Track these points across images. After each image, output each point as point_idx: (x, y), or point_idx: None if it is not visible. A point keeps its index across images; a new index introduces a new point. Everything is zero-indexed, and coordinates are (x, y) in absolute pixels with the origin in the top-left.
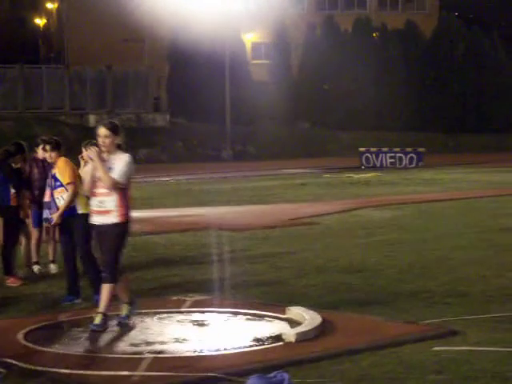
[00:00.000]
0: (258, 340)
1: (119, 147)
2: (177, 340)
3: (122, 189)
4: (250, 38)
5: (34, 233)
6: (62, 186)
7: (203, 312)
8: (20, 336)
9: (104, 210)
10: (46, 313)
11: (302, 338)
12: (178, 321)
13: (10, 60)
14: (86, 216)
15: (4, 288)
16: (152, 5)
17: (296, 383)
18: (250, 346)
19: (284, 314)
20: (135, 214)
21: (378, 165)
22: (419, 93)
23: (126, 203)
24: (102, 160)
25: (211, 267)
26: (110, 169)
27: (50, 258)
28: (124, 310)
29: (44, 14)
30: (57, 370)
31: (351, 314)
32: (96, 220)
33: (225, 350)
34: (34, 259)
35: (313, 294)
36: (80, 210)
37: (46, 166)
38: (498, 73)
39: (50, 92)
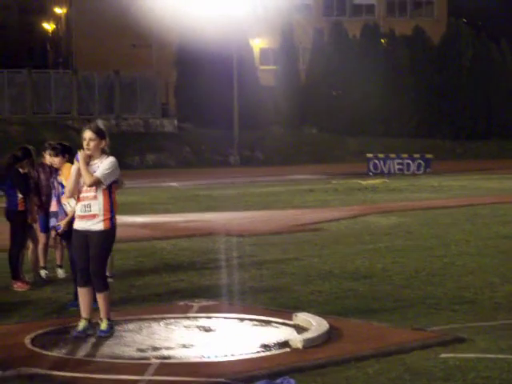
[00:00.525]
0: (264, 346)
1: (104, 152)
2: (183, 345)
3: (107, 193)
4: (257, 44)
5: (42, 238)
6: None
7: (210, 317)
8: (27, 341)
9: (89, 214)
10: (53, 317)
11: (309, 345)
12: (185, 326)
13: (18, 65)
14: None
15: (11, 292)
16: (160, 10)
17: None
18: (257, 352)
19: (291, 320)
20: (142, 219)
21: (386, 171)
22: (427, 99)
23: (112, 208)
24: (87, 163)
25: (218, 273)
26: (94, 172)
27: (58, 262)
28: (81, 324)
29: (52, 19)
30: (63, 374)
31: (358, 320)
32: (80, 225)
33: (231, 355)
34: (42, 264)
35: (319, 300)
36: None
37: (52, 172)
38: (505, 80)
39: (58, 97)
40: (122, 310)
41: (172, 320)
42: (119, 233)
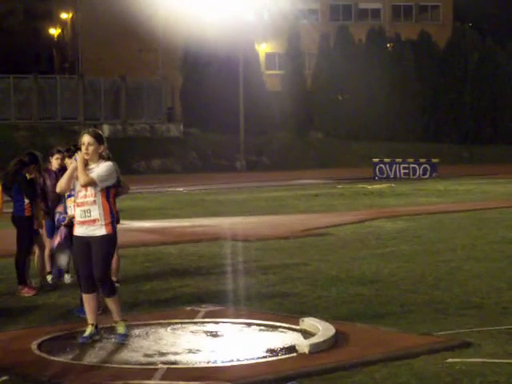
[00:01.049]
0: (271, 351)
1: (102, 157)
2: (190, 350)
3: (106, 197)
4: (263, 49)
5: (48, 243)
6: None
7: (217, 322)
8: (34, 346)
9: (90, 219)
10: (60, 323)
11: (316, 350)
12: (192, 331)
13: (24, 70)
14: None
15: (18, 298)
16: (166, 16)
17: None
18: (264, 357)
19: (297, 325)
20: (149, 224)
21: (392, 175)
22: (433, 103)
23: (112, 212)
24: (85, 164)
25: (225, 278)
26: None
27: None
28: (88, 329)
29: (58, 24)
30: (70, 380)
31: (364, 325)
32: (81, 231)
33: (238, 360)
34: (48, 269)
35: (326, 305)
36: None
37: (58, 177)
38: (511, 84)
39: (64, 102)
40: (128, 315)
41: (179, 325)
42: (126, 238)
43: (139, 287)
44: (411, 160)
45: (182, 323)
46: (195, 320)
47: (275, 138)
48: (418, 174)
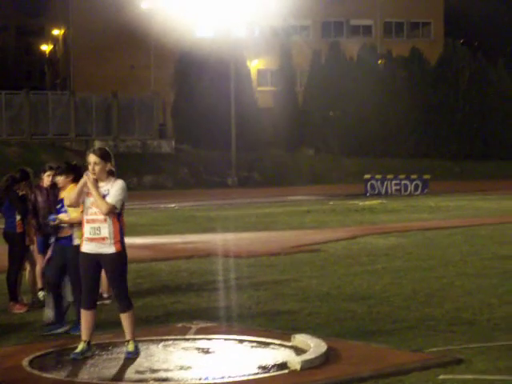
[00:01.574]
0: (263, 367)
1: (111, 173)
2: (182, 367)
3: (116, 215)
4: (255, 65)
5: (39, 259)
6: (66, 212)
7: (208, 339)
8: (25, 363)
9: (99, 237)
10: (51, 339)
11: (307, 366)
12: (183, 348)
13: (16, 86)
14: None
15: (9, 314)
16: (158, 32)
17: None
18: (255, 374)
19: (289, 341)
20: (140, 240)
21: (383, 192)
22: (424, 120)
23: (121, 230)
24: (97, 187)
25: (216, 294)
26: (103, 196)
27: None
28: (80, 346)
29: (50, 40)
30: None
31: (356, 341)
32: (90, 248)
33: (230, 377)
34: (39, 286)
35: (318, 322)
36: (76, 242)
37: (49, 194)
38: (503, 100)
39: (56, 118)
40: (119, 331)
41: (170, 342)
42: None
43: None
44: (403, 176)
45: (173, 340)
46: (187, 337)
47: (267, 154)
48: (409, 190)
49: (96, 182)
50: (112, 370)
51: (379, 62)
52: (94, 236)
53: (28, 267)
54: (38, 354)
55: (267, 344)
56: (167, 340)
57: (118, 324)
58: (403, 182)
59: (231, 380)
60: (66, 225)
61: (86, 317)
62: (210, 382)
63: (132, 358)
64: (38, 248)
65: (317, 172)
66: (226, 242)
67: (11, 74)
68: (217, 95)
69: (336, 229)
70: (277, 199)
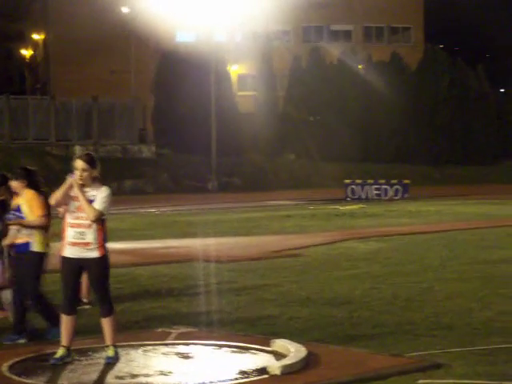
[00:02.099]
0: (243, 373)
1: (97, 179)
2: (162, 372)
3: (101, 220)
4: (235, 70)
5: None
6: (24, 218)
7: (188, 344)
8: (4, 368)
9: (83, 242)
10: (31, 344)
11: (287, 371)
12: (163, 353)
13: None
14: (40, 254)
15: None
16: (139, 37)
17: None
18: (235, 379)
19: (269, 346)
20: (120, 245)
21: (364, 196)
22: (404, 125)
23: (104, 235)
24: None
25: (196, 299)
26: (90, 201)
27: None
28: (60, 351)
29: (30, 45)
30: None
31: (336, 346)
32: (72, 253)
33: (210, 382)
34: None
35: (298, 327)
36: (34, 248)
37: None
38: (482, 105)
39: (36, 123)
40: (99, 336)
41: (150, 347)
42: None
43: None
44: (383, 181)
45: (153, 345)
46: (166, 342)
47: (247, 159)
48: (389, 195)
49: (82, 187)
50: (92, 376)
51: (359, 66)
52: (78, 240)
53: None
54: (17, 359)
55: (247, 349)
56: (147, 345)
57: (98, 329)
58: (383, 186)
59: None
60: (24, 231)
61: (66, 322)
62: None
63: (112, 363)
64: None
65: (297, 177)
66: (206, 246)
67: None
68: (197, 100)
69: (316, 233)
70: (257, 204)
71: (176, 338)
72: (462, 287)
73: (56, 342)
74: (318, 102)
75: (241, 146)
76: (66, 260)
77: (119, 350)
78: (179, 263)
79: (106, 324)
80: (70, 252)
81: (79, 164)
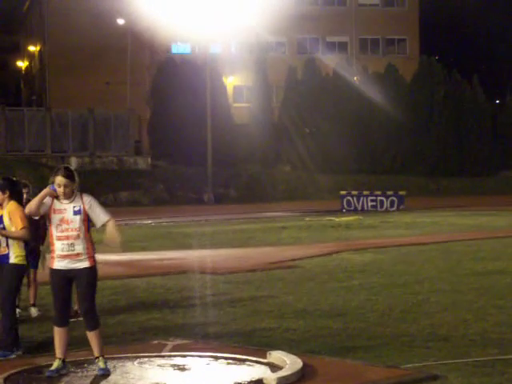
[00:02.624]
0: None
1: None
2: None
3: (88, 231)
4: (231, 82)
5: None
6: (3, 229)
7: (184, 356)
8: (0, 380)
9: (73, 253)
10: (27, 357)
11: (283, 383)
12: (159, 365)
13: None
14: (18, 267)
15: None
16: (134, 49)
17: None
18: None
19: (265, 358)
20: (116, 257)
21: (359, 208)
22: (400, 136)
23: (93, 245)
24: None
25: (192, 311)
26: (76, 212)
27: (31, 301)
28: (55, 363)
29: (26, 56)
30: None
31: (332, 358)
32: (62, 265)
33: None
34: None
35: (294, 338)
36: (12, 260)
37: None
38: (477, 116)
39: (32, 134)
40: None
41: (146, 359)
42: None
43: (106, 320)
44: (378, 192)
45: (149, 357)
46: (162, 353)
47: (243, 170)
48: (385, 206)
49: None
50: None
51: (355, 78)
52: (68, 252)
53: None
54: (13, 371)
55: (243, 361)
56: (143, 357)
57: None
58: (379, 198)
59: None
60: (3, 242)
61: (59, 334)
62: None
63: (106, 374)
64: None
65: (293, 188)
66: (202, 258)
67: None
68: (193, 112)
69: (312, 245)
70: (253, 215)
71: (172, 350)
72: (458, 298)
73: (52, 355)
74: (313, 114)
75: (236, 157)
76: (55, 272)
77: (115, 362)
78: (175, 275)
79: (94, 337)
80: (59, 265)
81: (60, 180)
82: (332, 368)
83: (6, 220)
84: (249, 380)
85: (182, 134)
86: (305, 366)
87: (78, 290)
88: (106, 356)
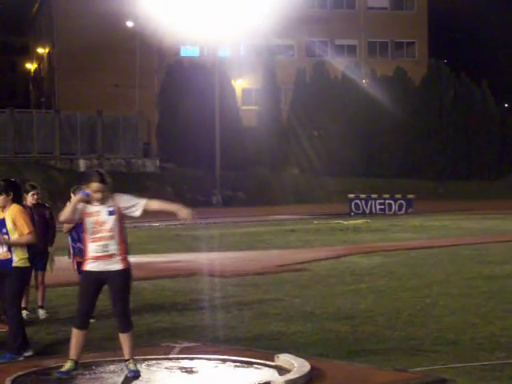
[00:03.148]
0: None
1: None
2: None
3: (123, 231)
4: (240, 84)
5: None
6: (7, 233)
7: (192, 359)
8: (8, 382)
9: (107, 254)
10: (34, 359)
11: None
12: (167, 368)
13: (0, 104)
14: (22, 270)
15: None
16: (143, 51)
17: None
18: None
19: (273, 361)
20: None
21: (368, 211)
22: (408, 140)
23: (126, 246)
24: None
25: (200, 313)
26: (111, 213)
27: (39, 303)
28: (68, 364)
29: (35, 58)
30: None
31: (340, 361)
32: (96, 266)
33: None
34: (23, 305)
35: (301, 341)
36: (16, 263)
37: (33, 213)
38: (486, 120)
39: (41, 137)
40: (103, 350)
41: (154, 361)
42: None
43: (114, 323)
44: (387, 196)
45: (156, 359)
46: (170, 356)
47: (251, 173)
48: (393, 209)
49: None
50: None
51: (364, 81)
52: (102, 254)
53: None
54: (20, 373)
55: (251, 364)
56: (151, 359)
57: (101, 343)
58: (387, 201)
59: None
60: (5, 247)
61: (76, 336)
62: None
63: (136, 376)
64: None
65: (301, 191)
66: (210, 261)
67: None
68: (201, 114)
69: (320, 248)
70: (261, 218)
71: (180, 353)
72: (466, 302)
73: (62, 356)
74: (321, 116)
75: (245, 160)
76: (87, 273)
77: (123, 364)
78: (183, 277)
79: (126, 339)
80: (93, 266)
81: (96, 186)
82: (340, 371)
83: (8, 224)
84: (257, 383)
85: (190, 136)
86: (313, 369)
87: (111, 293)
88: (114, 358)
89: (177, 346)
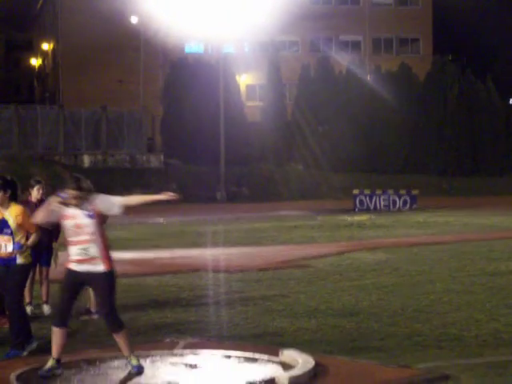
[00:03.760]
0: (250, 383)
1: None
2: (169, 383)
3: (103, 234)
4: (244, 80)
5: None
6: (11, 234)
7: (196, 354)
8: (12, 377)
9: (88, 257)
10: (39, 354)
11: (295, 382)
12: (171, 363)
13: (4, 100)
14: (25, 266)
15: None
16: (147, 47)
17: None
18: None
19: (277, 357)
20: (128, 255)
21: (372, 207)
22: (413, 135)
23: (108, 248)
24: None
25: (204, 309)
26: (89, 216)
27: (43, 298)
28: (49, 363)
29: (39, 54)
30: None
31: (344, 357)
32: (79, 268)
33: None
34: (27, 300)
35: (306, 337)
36: (19, 260)
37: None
38: (491, 116)
39: (45, 132)
40: (107, 346)
41: (158, 357)
42: None
43: None
44: (391, 192)
45: (161, 355)
46: (174, 352)
47: (256, 169)
48: (398, 205)
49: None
50: None
51: (368, 77)
52: (83, 257)
53: None
54: (25, 368)
55: (255, 359)
56: (155, 355)
57: (105, 339)
58: (392, 197)
59: None
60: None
61: (56, 334)
62: None
63: (140, 371)
64: None
65: (305, 187)
66: (214, 256)
67: (0, 89)
68: (206, 110)
69: (324, 244)
70: (265, 214)
71: (184, 348)
72: (470, 298)
73: (67, 351)
74: (326, 112)
75: (249, 155)
76: (71, 272)
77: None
78: (187, 273)
79: (119, 338)
80: (77, 267)
81: (71, 193)
82: (344, 367)
83: (12, 224)
84: (261, 379)
85: (194, 132)
86: (317, 365)
87: (95, 295)
88: (118, 354)
89: (181, 341)
